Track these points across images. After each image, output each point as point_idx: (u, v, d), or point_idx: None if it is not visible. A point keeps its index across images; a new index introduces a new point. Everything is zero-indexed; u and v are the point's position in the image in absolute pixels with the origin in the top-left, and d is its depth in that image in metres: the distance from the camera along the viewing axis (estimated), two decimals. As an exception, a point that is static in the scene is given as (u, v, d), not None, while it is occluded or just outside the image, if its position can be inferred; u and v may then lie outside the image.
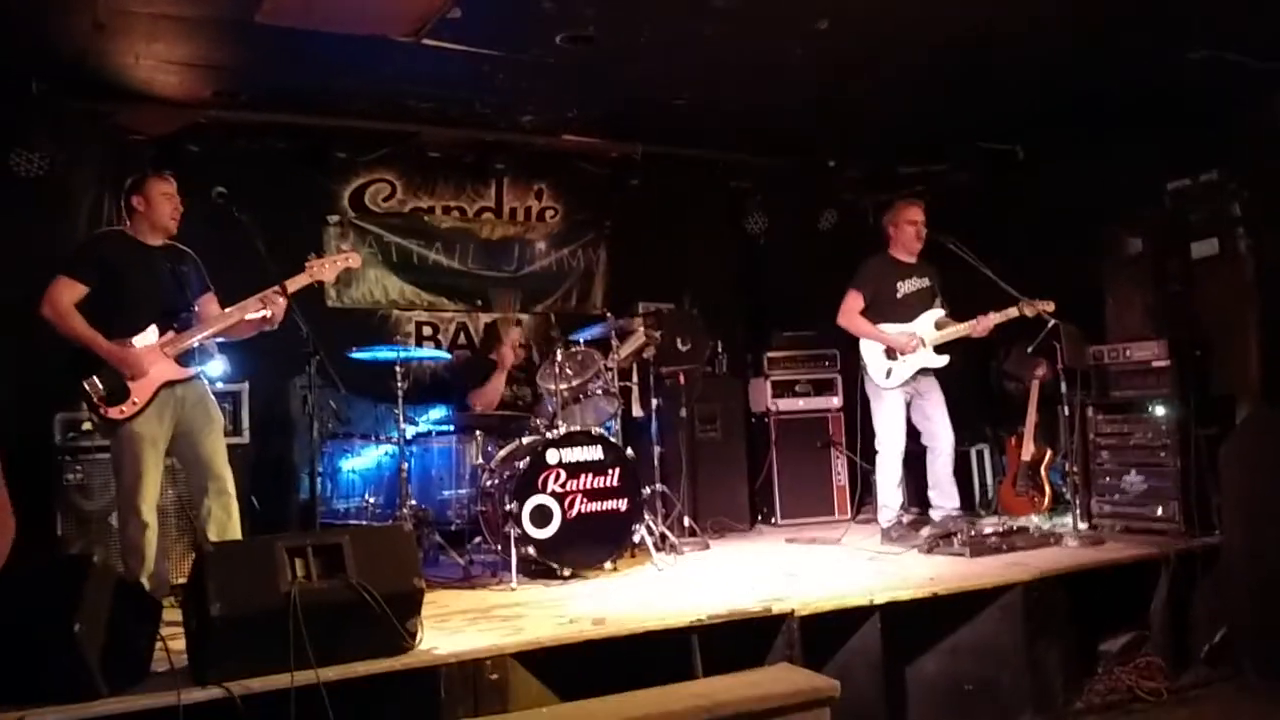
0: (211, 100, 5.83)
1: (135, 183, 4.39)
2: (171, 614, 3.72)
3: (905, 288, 5.81)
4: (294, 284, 4.45)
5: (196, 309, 4.42)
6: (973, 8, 4.84)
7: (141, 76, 5.37)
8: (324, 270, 4.57)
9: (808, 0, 4.73)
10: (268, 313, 4.33)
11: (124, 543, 4.21)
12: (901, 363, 5.69)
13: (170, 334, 4.27)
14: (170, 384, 4.24)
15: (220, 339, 4.50)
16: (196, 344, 4.33)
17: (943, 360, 5.71)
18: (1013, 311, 5.53)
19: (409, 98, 6.00)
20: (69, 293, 4.17)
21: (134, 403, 4.13)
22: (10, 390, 5.48)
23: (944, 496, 5.79)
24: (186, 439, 4.30)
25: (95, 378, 4.11)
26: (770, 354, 7.27)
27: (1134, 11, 4.89)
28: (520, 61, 5.36)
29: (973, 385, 7.26)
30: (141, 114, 5.68)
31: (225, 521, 4.28)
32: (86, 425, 5.09)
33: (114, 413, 4.12)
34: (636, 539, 5.26)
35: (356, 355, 5.64)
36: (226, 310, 4.38)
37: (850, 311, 5.81)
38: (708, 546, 5.98)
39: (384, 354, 5.66)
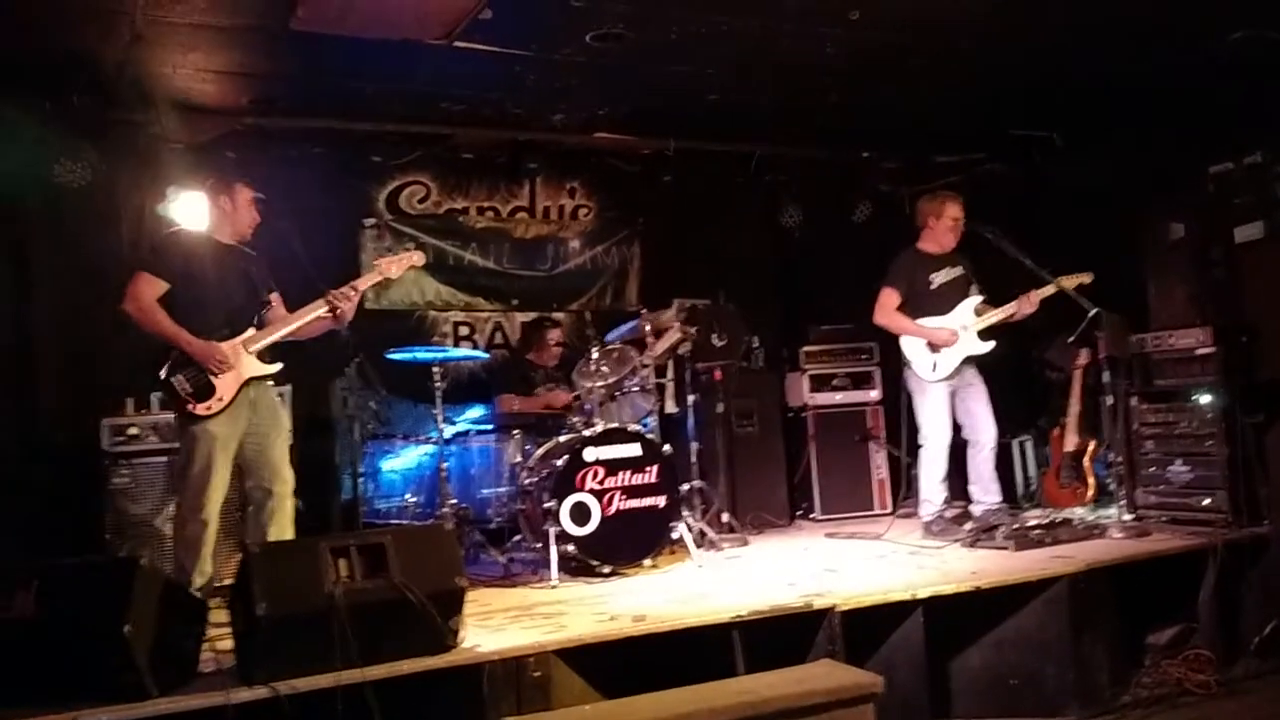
0: (248, 108, 5.91)
1: (223, 184, 4.49)
2: (219, 614, 3.78)
3: (939, 278, 5.75)
4: (365, 282, 4.57)
5: (268, 308, 4.50)
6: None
7: (179, 86, 5.45)
8: (391, 267, 4.67)
9: (839, -9, 4.71)
10: (342, 307, 4.39)
11: (181, 540, 4.25)
12: (946, 354, 5.63)
13: (251, 330, 4.34)
14: (249, 382, 4.30)
15: (287, 339, 4.53)
16: (274, 341, 4.39)
17: (989, 346, 5.63)
18: (1051, 288, 5.47)
19: (442, 100, 6.04)
20: (150, 288, 4.21)
21: (220, 399, 4.20)
22: (59, 397, 5.60)
23: (985, 492, 5.73)
24: (254, 440, 4.35)
25: (182, 375, 4.16)
26: (807, 348, 7.23)
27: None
28: (551, 61, 5.37)
29: (1014, 376, 7.17)
30: (180, 122, 5.77)
31: (285, 524, 4.35)
32: (133, 430, 5.19)
33: (201, 409, 4.17)
34: (675, 535, 5.25)
35: (393, 356, 5.68)
36: (300, 310, 4.44)
37: (887, 308, 5.76)
38: (747, 542, 5.96)
39: (421, 355, 5.70)
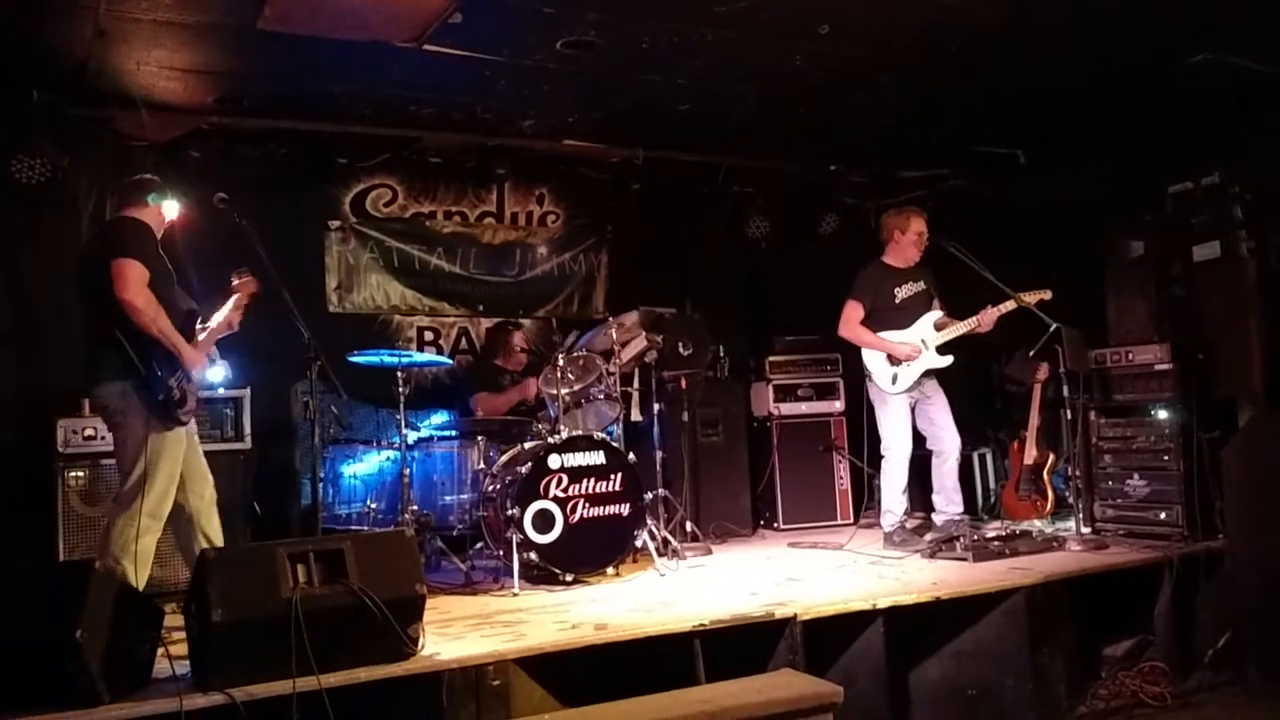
0: (213, 106, 5.84)
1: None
2: (174, 619, 3.72)
3: (903, 293, 5.81)
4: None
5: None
6: (973, 14, 4.84)
7: (143, 83, 5.38)
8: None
9: (809, 6, 4.73)
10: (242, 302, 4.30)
11: (130, 550, 3.94)
12: (906, 367, 5.68)
13: (202, 335, 4.22)
14: None
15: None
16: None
17: (947, 360, 5.70)
18: (1011, 304, 5.53)
19: (410, 103, 6.01)
20: (146, 279, 3.93)
21: (190, 408, 4.08)
22: (11, 396, 5.49)
23: (948, 502, 5.78)
24: (191, 443, 4.26)
25: (171, 380, 3.97)
26: (772, 358, 7.26)
27: (1133, 16, 4.89)
28: (522, 66, 5.36)
29: (975, 389, 7.25)
30: (143, 120, 5.68)
31: (211, 525, 4.25)
32: (89, 431, 5.10)
33: (184, 415, 4.03)
34: (639, 544, 5.26)
35: (356, 359, 5.61)
36: (224, 310, 4.34)
37: (851, 321, 5.81)
38: (710, 551, 5.98)
39: (386, 358, 5.65)
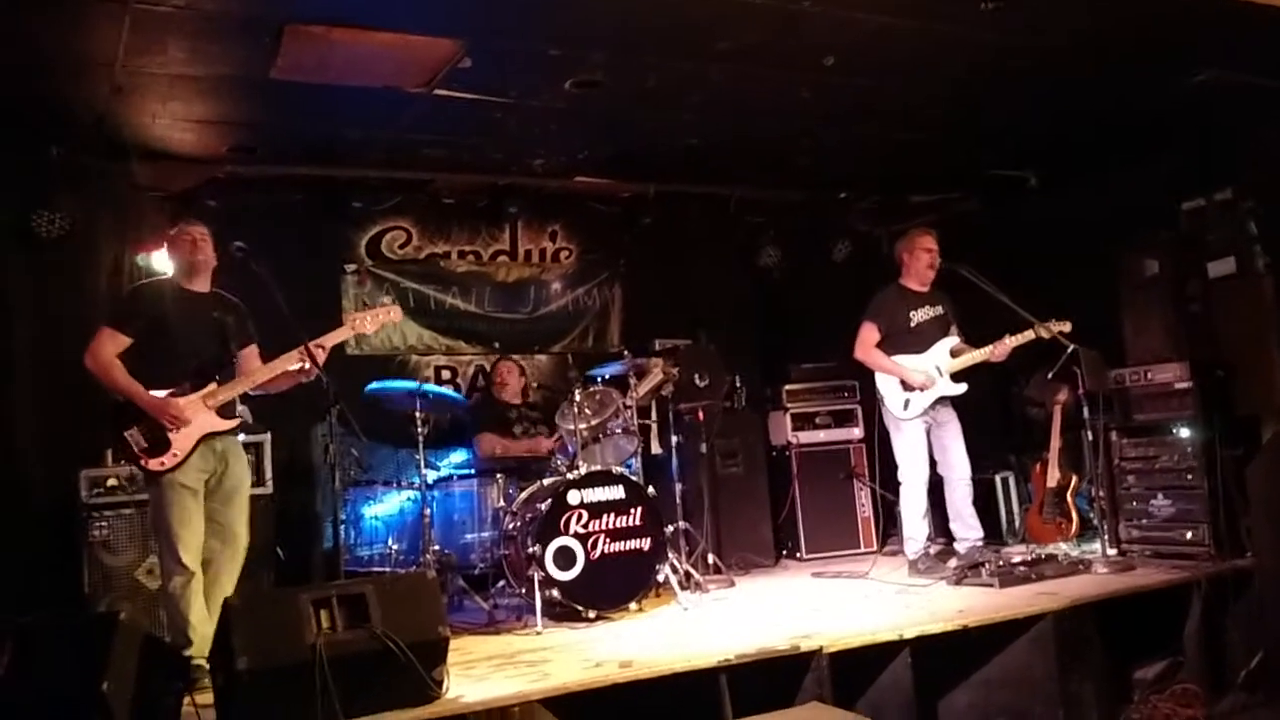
0: (228, 156, 5.92)
1: (171, 229, 4.50)
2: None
3: (919, 316, 5.80)
4: (333, 338, 4.50)
5: (238, 360, 4.47)
6: (978, 41, 4.86)
7: (158, 135, 5.46)
8: (364, 324, 4.61)
9: (812, 39, 4.76)
10: (307, 364, 4.32)
11: (168, 598, 4.17)
12: (919, 394, 5.67)
13: (213, 385, 4.29)
14: (210, 436, 4.26)
15: (255, 392, 4.50)
16: (235, 395, 4.35)
17: (961, 388, 5.69)
18: (1029, 334, 5.51)
19: (422, 146, 6.08)
20: (111, 344, 4.20)
21: (174, 454, 4.15)
22: (36, 448, 5.54)
23: (966, 528, 5.74)
24: (214, 495, 4.31)
25: (136, 429, 4.13)
26: (789, 387, 7.24)
27: (1139, 37, 4.91)
28: (531, 107, 5.42)
29: (994, 412, 7.22)
30: (159, 171, 5.78)
31: (228, 584, 4.27)
32: (112, 481, 5.13)
33: (154, 464, 4.14)
34: (661, 578, 5.23)
35: (372, 388, 5.71)
36: (267, 365, 4.41)
37: (866, 344, 5.80)
38: (733, 583, 5.94)
39: (398, 385, 5.72)
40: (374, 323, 4.65)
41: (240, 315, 4.52)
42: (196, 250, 4.39)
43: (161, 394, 4.18)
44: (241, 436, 5.28)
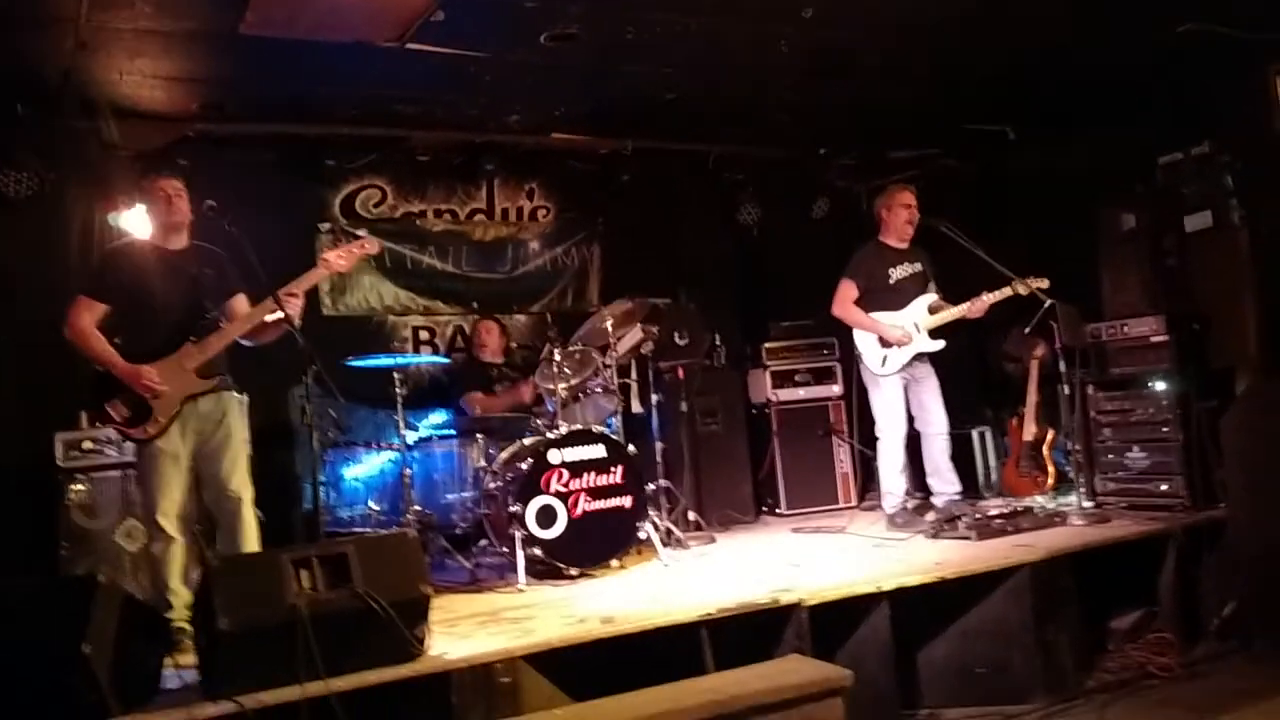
0: (198, 113, 5.81)
1: (145, 185, 4.41)
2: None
3: (898, 274, 5.80)
4: (307, 281, 4.40)
5: (223, 312, 4.39)
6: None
7: (126, 93, 5.36)
8: (340, 261, 4.50)
9: (791, -11, 4.72)
10: (288, 312, 4.21)
11: (149, 558, 4.30)
12: (897, 350, 5.68)
13: (188, 346, 4.22)
14: (192, 398, 4.21)
15: (247, 342, 4.42)
16: (215, 353, 4.27)
17: (938, 344, 5.70)
18: (1007, 290, 5.53)
19: (396, 102, 5.99)
20: (89, 313, 4.16)
21: (157, 421, 4.12)
22: (10, 411, 5.48)
23: (944, 482, 5.78)
24: (204, 454, 4.27)
25: (118, 399, 4.10)
26: (768, 344, 7.25)
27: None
28: (506, 62, 5.35)
29: (971, 367, 7.25)
30: (128, 130, 5.66)
31: (242, 539, 4.25)
32: (88, 444, 5.10)
33: (137, 433, 4.12)
34: (642, 535, 5.25)
35: (353, 364, 5.61)
36: (240, 319, 4.33)
37: (844, 301, 5.80)
38: (713, 540, 5.98)
39: (381, 361, 5.65)
40: (349, 258, 4.53)
41: (221, 266, 4.42)
42: (171, 207, 4.30)
43: (143, 361, 4.12)
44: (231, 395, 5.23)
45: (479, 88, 5.74)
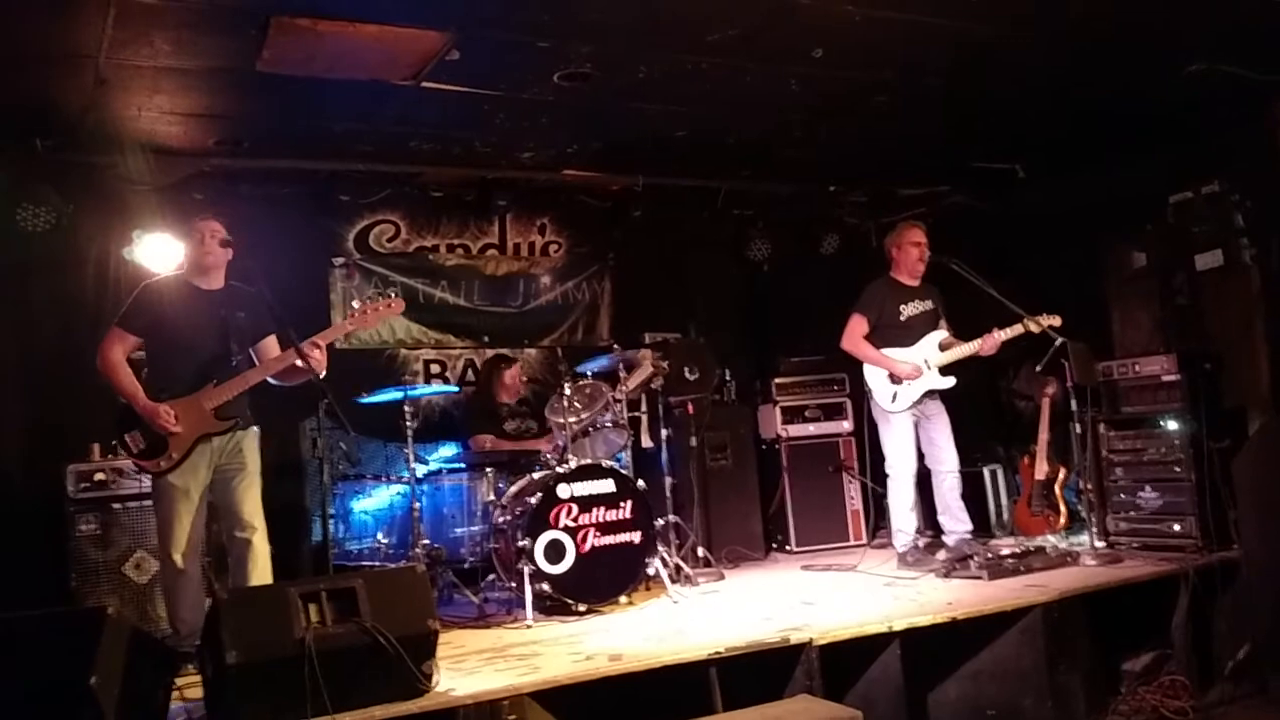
0: (214, 149, 5.88)
1: (187, 225, 4.50)
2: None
3: (909, 310, 5.80)
4: (331, 334, 4.48)
5: (252, 353, 4.44)
6: (968, 32, 4.86)
7: (144, 128, 5.42)
8: (365, 319, 4.56)
9: (801, 31, 4.75)
10: (310, 364, 4.24)
11: (161, 588, 4.42)
12: (907, 386, 5.67)
13: (209, 387, 4.27)
14: (207, 436, 4.26)
15: (274, 383, 4.45)
16: (234, 396, 4.31)
17: (949, 382, 5.70)
18: (1019, 328, 5.52)
19: (410, 139, 6.05)
20: (120, 344, 4.28)
21: (171, 457, 4.20)
22: (22, 443, 5.51)
23: (955, 521, 5.75)
24: (219, 486, 4.32)
25: (137, 432, 4.20)
26: (778, 380, 7.25)
27: (1130, 28, 4.91)
28: (519, 100, 5.40)
29: (983, 405, 7.24)
30: (145, 165, 5.73)
31: (256, 571, 4.26)
32: (99, 476, 5.11)
33: (151, 466, 4.21)
34: (651, 571, 5.23)
35: (364, 401, 5.64)
36: (261, 366, 4.38)
37: (854, 336, 5.81)
38: (723, 576, 5.94)
39: (392, 395, 5.66)
40: (374, 317, 4.60)
41: (256, 308, 4.45)
42: (204, 248, 4.39)
43: (165, 397, 4.20)
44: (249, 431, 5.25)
45: (492, 125, 5.80)
